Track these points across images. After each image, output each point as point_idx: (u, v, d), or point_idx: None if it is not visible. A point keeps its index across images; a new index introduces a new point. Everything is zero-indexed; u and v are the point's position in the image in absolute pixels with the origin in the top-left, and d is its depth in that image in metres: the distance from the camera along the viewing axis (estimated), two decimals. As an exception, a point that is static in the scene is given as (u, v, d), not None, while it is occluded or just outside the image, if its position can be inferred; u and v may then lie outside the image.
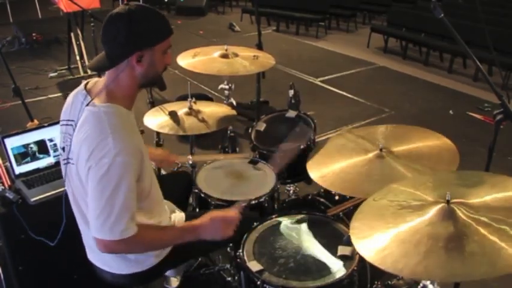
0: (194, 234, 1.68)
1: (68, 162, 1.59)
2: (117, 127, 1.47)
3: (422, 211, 1.40)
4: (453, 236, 1.28)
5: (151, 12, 1.49)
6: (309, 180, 2.58)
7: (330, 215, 2.01)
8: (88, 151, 1.44)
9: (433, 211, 1.38)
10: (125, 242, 1.49)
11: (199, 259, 2.47)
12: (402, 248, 1.29)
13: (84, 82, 1.63)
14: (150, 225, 1.64)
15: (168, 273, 2.30)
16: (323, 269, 1.67)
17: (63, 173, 1.65)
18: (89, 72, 5.59)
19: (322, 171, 1.98)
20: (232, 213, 1.77)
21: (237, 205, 1.85)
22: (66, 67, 5.85)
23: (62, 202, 1.69)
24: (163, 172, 3.08)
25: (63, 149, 1.61)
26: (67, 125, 1.58)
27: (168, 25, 1.53)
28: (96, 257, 1.75)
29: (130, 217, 1.49)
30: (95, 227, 1.48)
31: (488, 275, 1.15)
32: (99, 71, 1.53)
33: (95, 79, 1.64)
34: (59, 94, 5.16)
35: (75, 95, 1.60)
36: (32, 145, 2.19)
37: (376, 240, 1.35)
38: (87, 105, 1.51)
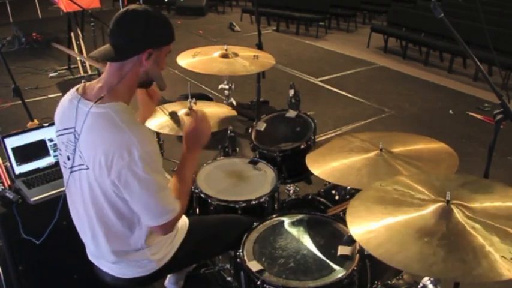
0: (192, 157, 1.75)
1: (74, 171, 1.58)
2: (130, 122, 1.48)
3: (421, 206, 1.44)
4: (446, 234, 1.31)
5: (163, 16, 1.57)
6: (309, 180, 2.60)
7: (330, 215, 2.01)
8: (109, 153, 1.43)
9: (431, 208, 1.42)
10: (181, 210, 1.62)
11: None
12: (395, 237, 1.34)
13: (74, 88, 1.62)
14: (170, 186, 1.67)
15: (169, 283, 2.29)
16: (323, 269, 1.67)
17: (65, 182, 1.65)
18: (89, 72, 5.60)
19: (320, 164, 2.01)
20: (197, 115, 1.79)
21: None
22: (66, 67, 5.86)
23: (62, 202, 1.69)
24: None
25: (68, 157, 1.59)
26: (68, 133, 1.56)
27: (174, 30, 1.60)
28: (98, 260, 1.75)
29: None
30: (157, 216, 1.54)
31: (473, 279, 1.18)
32: (106, 60, 1.53)
33: (84, 83, 1.63)
34: (59, 94, 5.15)
35: (69, 101, 1.59)
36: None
37: (369, 224, 1.43)
38: (91, 107, 1.49)
